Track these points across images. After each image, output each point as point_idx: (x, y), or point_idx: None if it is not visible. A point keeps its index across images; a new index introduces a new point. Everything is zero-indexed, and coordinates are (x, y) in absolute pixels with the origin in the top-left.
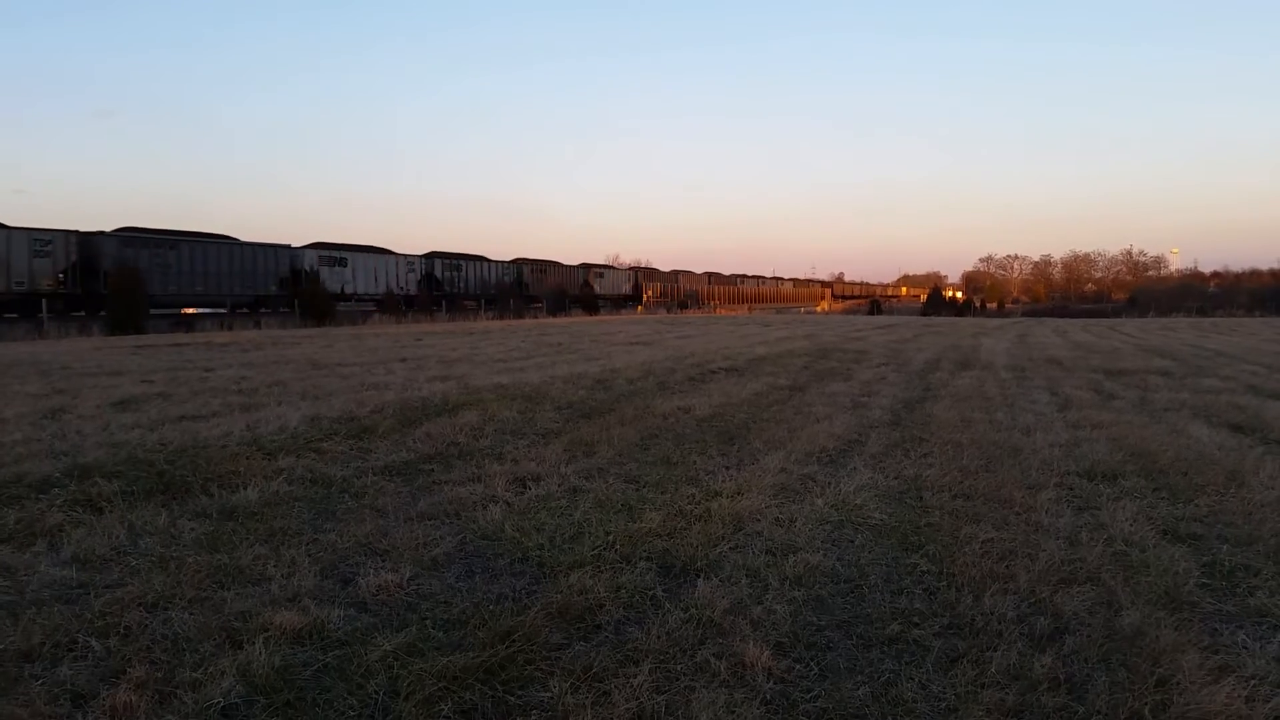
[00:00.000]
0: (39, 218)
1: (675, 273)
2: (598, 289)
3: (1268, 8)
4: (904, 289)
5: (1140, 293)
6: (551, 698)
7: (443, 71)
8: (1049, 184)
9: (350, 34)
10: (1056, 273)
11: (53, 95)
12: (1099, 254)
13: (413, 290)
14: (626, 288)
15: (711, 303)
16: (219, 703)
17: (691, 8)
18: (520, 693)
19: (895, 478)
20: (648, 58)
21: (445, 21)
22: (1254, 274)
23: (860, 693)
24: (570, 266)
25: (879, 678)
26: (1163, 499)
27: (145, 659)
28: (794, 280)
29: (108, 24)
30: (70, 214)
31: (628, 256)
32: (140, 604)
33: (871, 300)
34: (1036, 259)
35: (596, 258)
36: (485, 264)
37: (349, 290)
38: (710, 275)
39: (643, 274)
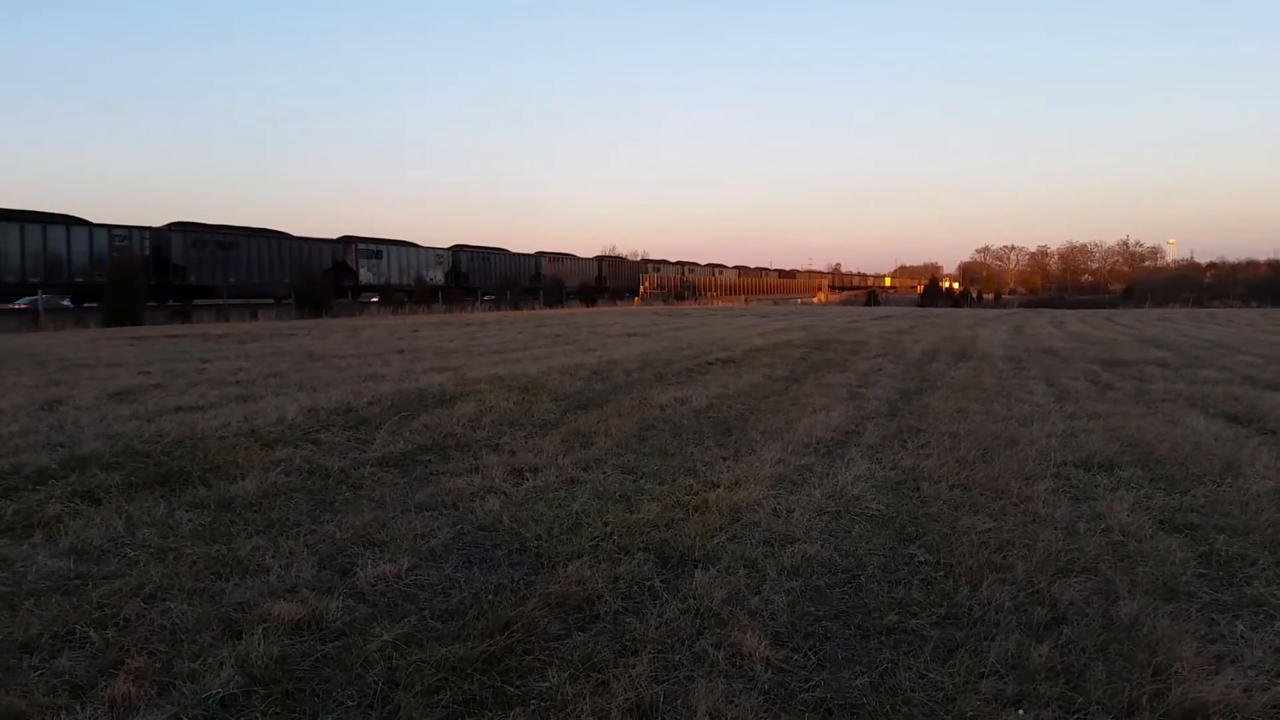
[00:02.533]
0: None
1: (676, 264)
2: (364, 277)
3: None
4: (901, 280)
5: (1137, 283)
6: (551, 688)
7: (439, 66)
8: (1045, 175)
9: (351, 27)
10: (1053, 263)
11: (52, 88)
12: (1095, 245)
13: None
14: (437, 274)
15: (708, 294)
16: (218, 693)
17: (688, 1)
18: (519, 683)
19: (892, 468)
20: (645, 52)
21: (444, 15)
22: (1250, 265)
23: (858, 682)
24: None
25: (877, 667)
26: (1160, 489)
27: (143, 650)
28: (791, 271)
29: (108, 15)
30: (71, 205)
31: (625, 248)
32: (138, 595)
33: (869, 291)
34: (1033, 250)
35: (594, 250)
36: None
37: None
38: (708, 266)
39: (643, 265)
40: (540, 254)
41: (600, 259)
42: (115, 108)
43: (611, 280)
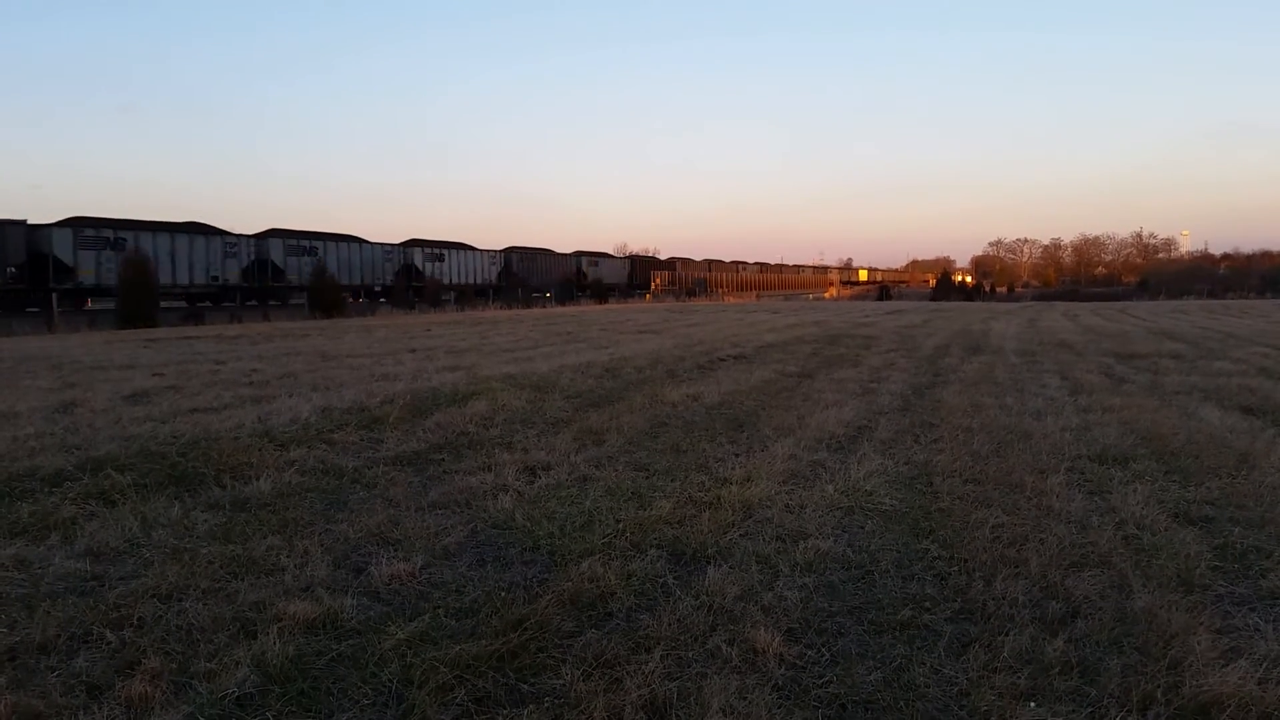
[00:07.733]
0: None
1: (702, 261)
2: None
3: None
4: (913, 274)
5: (1151, 275)
6: (564, 685)
7: (453, 64)
8: (1058, 167)
9: (354, 30)
10: (1066, 256)
11: (74, 90)
12: (1109, 237)
13: None
14: (491, 274)
15: (719, 290)
16: (234, 693)
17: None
18: (533, 680)
19: (905, 463)
20: (654, 48)
21: (443, 18)
22: (1265, 256)
23: (872, 678)
24: None
25: (891, 663)
26: (1174, 482)
27: (160, 650)
28: (804, 267)
29: (130, 17)
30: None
31: (635, 245)
32: (154, 595)
33: (880, 286)
34: (1046, 242)
35: (606, 246)
36: None
37: None
38: (732, 263)
39: (670, 262)
40: (580, 253)
41: (633, 258)
42: (137, 110)
43: (641, 277)
